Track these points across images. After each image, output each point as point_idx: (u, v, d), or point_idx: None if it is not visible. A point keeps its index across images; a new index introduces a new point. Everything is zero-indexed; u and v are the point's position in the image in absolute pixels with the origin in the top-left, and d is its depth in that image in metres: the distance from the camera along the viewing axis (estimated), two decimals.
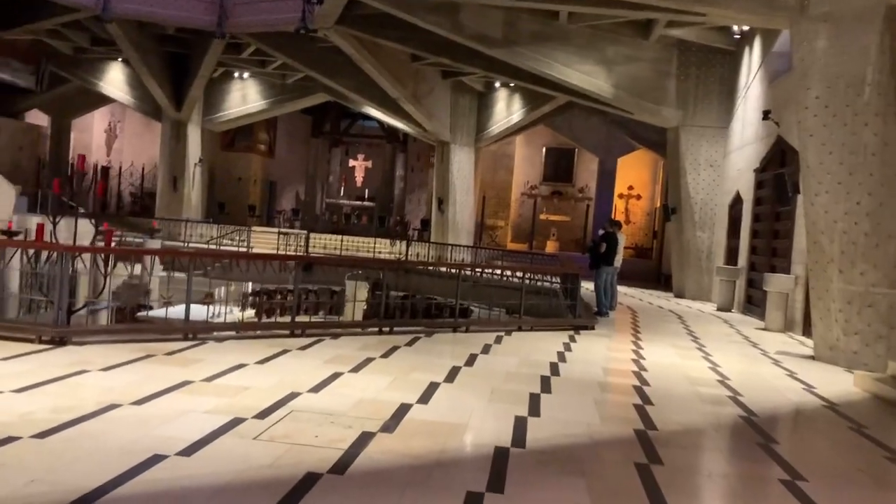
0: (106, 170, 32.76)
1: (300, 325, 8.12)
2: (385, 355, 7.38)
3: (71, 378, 5.49)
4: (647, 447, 4.82)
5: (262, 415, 4.79)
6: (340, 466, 3.93)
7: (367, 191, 34.28)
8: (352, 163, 34.84)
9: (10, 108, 28.08)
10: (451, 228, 26.27)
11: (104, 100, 28.84)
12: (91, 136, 32.93)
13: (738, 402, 6.51)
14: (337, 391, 5.70)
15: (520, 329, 9.98)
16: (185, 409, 4.79)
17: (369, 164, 34.68)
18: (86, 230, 20.25)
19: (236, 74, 27.41)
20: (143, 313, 15.99)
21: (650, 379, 7.28)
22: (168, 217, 26.39)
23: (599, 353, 8.76)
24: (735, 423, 5.85)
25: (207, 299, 9.95)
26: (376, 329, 8.75)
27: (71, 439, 4.04)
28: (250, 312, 17.63)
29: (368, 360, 7.01)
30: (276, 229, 26.50)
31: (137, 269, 9.46)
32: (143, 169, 31.97)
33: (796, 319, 12.32)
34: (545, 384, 6.61)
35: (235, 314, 14.76)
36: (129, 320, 17.25)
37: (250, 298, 17.87)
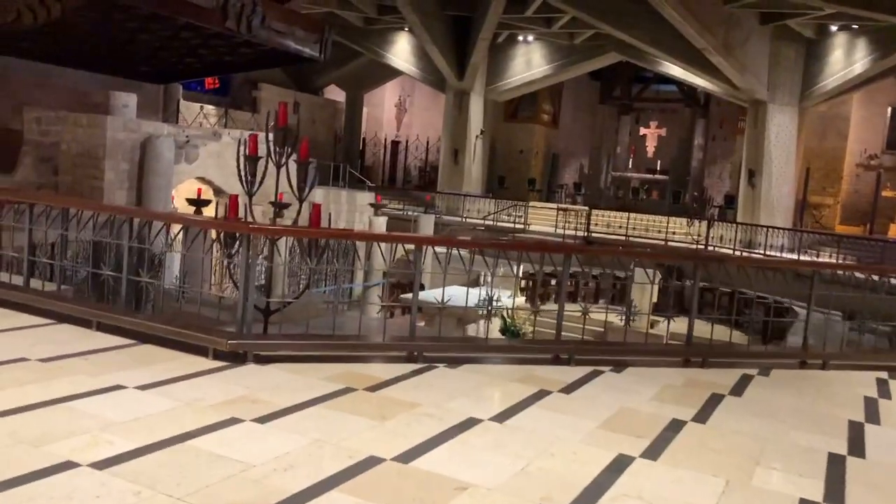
0: (395, 144, 33.29)
1: (568, 346, 5.60)
2: (700, 416, 4.58)
3: (228, 429, 3.62)
4: None
5: None
6: None
7: (658, 162, 30.53)
8: (643, 131, 31.29)
9: (310, 84, 29.39)
10: (765, 206, 21.77)
11: (393, 73, 28.90)
12: (382, 110, 33.58)
13: None
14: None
15: None
16: None
17: (663, 132, 30.85)
18: (364, 202, 19.98)
19: (520, 38, 25.55)
20: (405, 295, 14.91)
21: None
22: (448, 191, 25.59)
23: None
24: None
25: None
26: (680, 359, 5.92)
27: None
28: (521, 300, 15.70)
29: (674, 428, 4.27)
30: (555, 205, 24.27)
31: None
32: (427, 142, 31.79)
33: None
34: None
35: (504, 300, 12.86)
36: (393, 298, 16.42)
37: (521, 282, 15.97)
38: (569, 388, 4.87)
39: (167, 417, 3.72)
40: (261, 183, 5.43)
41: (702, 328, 6.08)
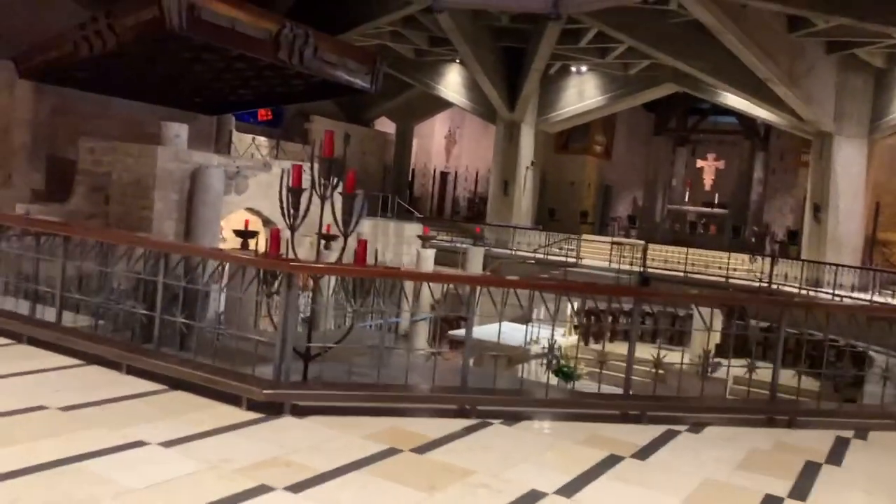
0: (444, 175, 33.07)
1: (638, 402, 5.01)
2: (798, 491, 3.93)
3: (256, 500, 3.16)
4: None
5: None
6: None
7: (716, 195, 29.54)
8: (700, 163, 30.39)
9: (361, 116, 29.44)
10: (831, 243, 20.67)
11: (444, 104, 28.77)
12: (432, 141, 33.46)
13: None
14: None
15: None
16: None
17: (721, 164, 29.90)
18: (412, 234, 19.63)
19: (573, 69, 25.13)
20: (455, 332, 14.39)
21: None
22: (497, 223, 25.12)
23: None
24: None
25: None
26: (763, 417, 5.26)
27: None
28: (573, 339, 15.04)
29: None
30: (608, 238, 23.57)
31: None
32: (476, 174, 31.47)
33: None
34: None
35: (558, 339, 12.27)
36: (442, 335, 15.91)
37: (574, 319, 15.32)
38: (643, 453, 4.28)
39: (188, 484, 3.28)
40: (304, 216, 5.04)
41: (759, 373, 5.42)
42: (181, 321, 5.01)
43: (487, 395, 4.79)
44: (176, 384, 4.68)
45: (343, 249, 5.08)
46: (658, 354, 5.12)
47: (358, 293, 4.86)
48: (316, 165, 5.10)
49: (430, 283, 5.66)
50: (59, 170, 16.02)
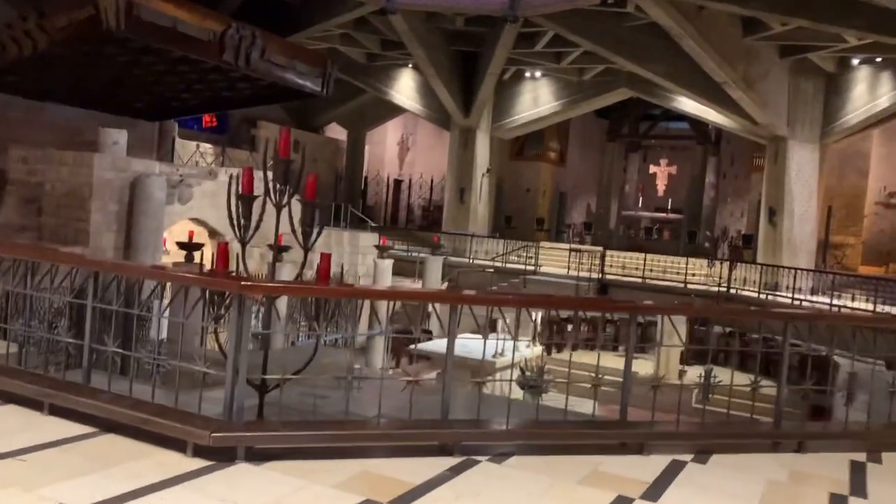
0: (398, 183, 32.44)
1: (638, 432, 4.50)
2: None
3: None
4: None
5: None
6: None
7: (669, 201, 29.64)
8: (652, 169, 30.46)
9: (310, 122, 28.64)
10: (787, 246, 20.76)
11: (396, 110, 28.17)
12: (384, 148, 32.81)
13: None
14: None
15: None
16: None
17: (673, 169, 30.01)
18: (368, 244, 18.97)
19: (527, 74, 24.86)
20: (412, 346, 13.78)
21: None
22: (454, 231, 24.62)
23: None
24: None
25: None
26: (768, 442, 4.81)
27: None
28: (538, 350, 14.60)
29: None
30: (566, 245, 23.27)
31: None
32: (431, 181, 30.95)
33: None
34: None
35: (522, 350, 11.77)
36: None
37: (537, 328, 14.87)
38: (652, 494, 3.76)
39: None
40: (257, 227, 4.40)
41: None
42: (113, 350, 4.31)
43: (473, 430, 4.21)
44: (108, 426, 3.98)
45: (303, 264, 4.45)
46: (657, 376, 4.61)
47: (320, 313, 4.23)
48: (268, 170, 4.47)
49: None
50: None
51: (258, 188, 4.38)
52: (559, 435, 4.38)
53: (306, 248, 4.41)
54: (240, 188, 4.30)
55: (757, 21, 17.36)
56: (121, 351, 4.32)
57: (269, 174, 4.48)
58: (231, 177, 4.36)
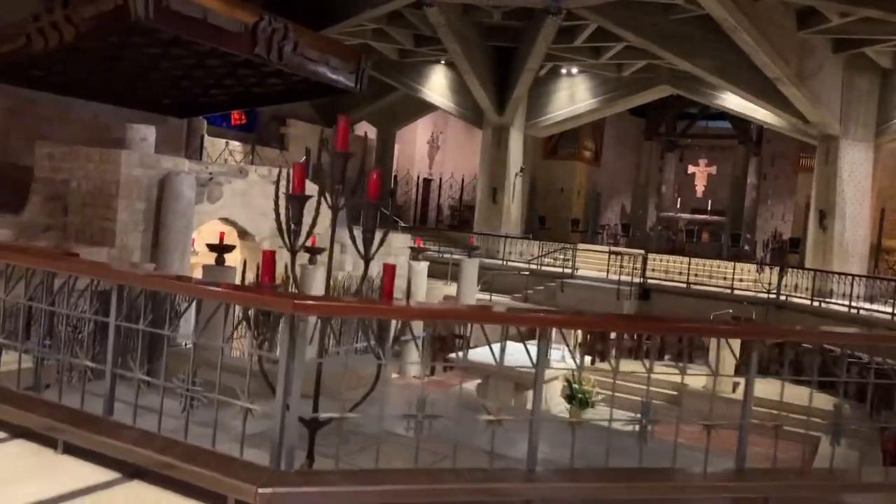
0: (428, 182, 31.80)
1: (754, 482, 3.73)
2: None
3: None
4: None
5: None
6: None
7: (709, 202, 28.68)
8: (691, 169, 29.52)
9: None
10: (838, 251, 19.77)
11: (426, 108, 27.53)
12: (414, 147, 32.17)
13: None
14: None
15: None
16: None
17: (713, 169, 29.05)
18: (401, 245, 18.29)
19: (564, 71, 24.05)
20: (452, 354, 13.06)
21: None
22: (486, 232, 23.90)
23: None
24: None
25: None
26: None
27: None
28: (586, 360, 13.85)
29: None
30: (604, 248, 22.44)
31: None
32: (462, 180, 30.25)
33: None
34: None
35: (567, 360, 11.03)
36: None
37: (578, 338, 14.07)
38: None
39: None
40: (309, 233, 3.72)
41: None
42: (140, 377, 3.65)
43: (565, 484, 3.45)
44: (134, 472, 3.31)
45: (363, 278, 3.74)
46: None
47: (385, 344, 3.52)
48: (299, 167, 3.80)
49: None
50: (13, 177, 14.43)
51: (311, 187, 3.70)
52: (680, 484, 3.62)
53: (367, 259, 3.71)
54: (290, 186, 3.61)
55: (813, 13, 16.44)
56: (148, 379, 3.66)
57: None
58: (279, 174, 3.67)
